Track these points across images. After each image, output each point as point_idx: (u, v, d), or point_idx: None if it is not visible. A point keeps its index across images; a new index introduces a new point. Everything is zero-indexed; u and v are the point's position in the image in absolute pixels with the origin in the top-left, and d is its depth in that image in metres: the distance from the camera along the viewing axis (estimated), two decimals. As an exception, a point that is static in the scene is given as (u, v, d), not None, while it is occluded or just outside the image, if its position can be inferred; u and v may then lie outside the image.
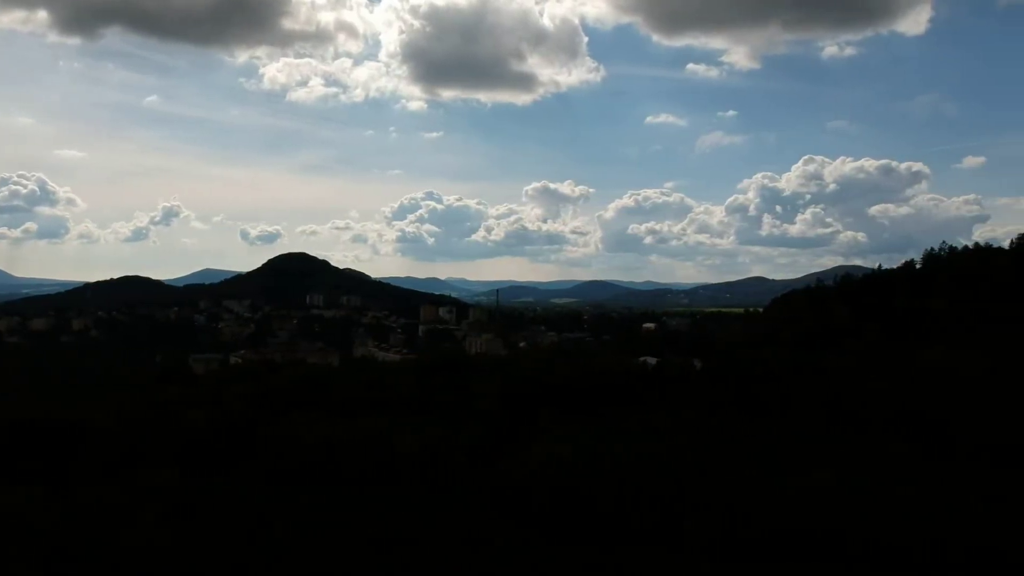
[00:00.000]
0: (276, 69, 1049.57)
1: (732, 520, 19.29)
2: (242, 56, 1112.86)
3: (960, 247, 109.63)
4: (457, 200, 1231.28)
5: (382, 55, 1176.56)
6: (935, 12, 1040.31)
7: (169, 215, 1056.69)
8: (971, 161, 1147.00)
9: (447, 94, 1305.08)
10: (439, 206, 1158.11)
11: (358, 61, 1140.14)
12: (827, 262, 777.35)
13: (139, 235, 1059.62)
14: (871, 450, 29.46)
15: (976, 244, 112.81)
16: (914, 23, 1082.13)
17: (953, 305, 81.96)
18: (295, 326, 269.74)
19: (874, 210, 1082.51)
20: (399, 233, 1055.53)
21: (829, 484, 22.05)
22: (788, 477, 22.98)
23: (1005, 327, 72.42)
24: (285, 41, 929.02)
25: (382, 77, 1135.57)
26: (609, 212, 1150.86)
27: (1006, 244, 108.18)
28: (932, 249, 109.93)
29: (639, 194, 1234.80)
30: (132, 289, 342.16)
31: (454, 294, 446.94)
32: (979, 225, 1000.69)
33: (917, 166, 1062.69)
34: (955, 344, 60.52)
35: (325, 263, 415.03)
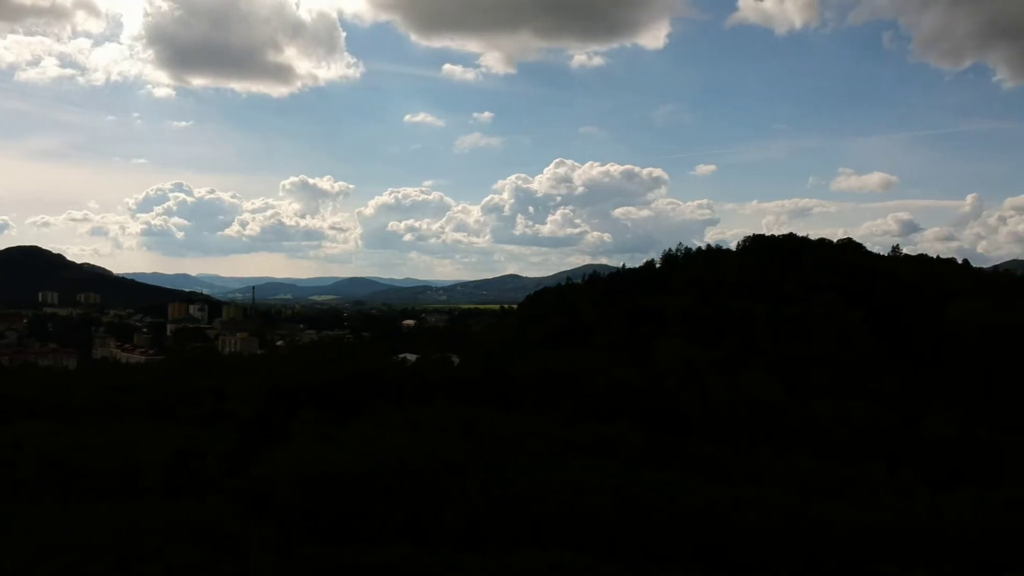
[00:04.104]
0: (3, 46, 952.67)
1: (489, 512, 20.00)
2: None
3: (694, 248, 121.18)
4: (209, 192, 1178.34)
5: (125, 37, 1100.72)
6: (672, 28, 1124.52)
7: None
8: (703, 169, 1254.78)
9: (197, 82, 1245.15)
10: (189, 198, 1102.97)
11: (98, 42, 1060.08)
12: (576, 261, 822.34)
13: None
14: (615, 438, 31.59)
15: (708, 245, 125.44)
16: (654, 38, 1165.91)
17: (688, 302, 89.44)
18: (25, 326, 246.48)
19: (618, 212, 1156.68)
20: (144, 226, 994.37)
21: (579, 473, 23.40)
22: (543, 468, 24.12)
23: (734, 321, 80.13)
24: (14, 16, 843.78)
25: (125, 60, 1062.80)
26: (369, 209, 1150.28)
27: (733, 246, 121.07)
28: (670, 250, 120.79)
29: (399, 192, 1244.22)
30: None
31: (206, 291, 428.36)
32: (711, 227, 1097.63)
33: (657, 172, 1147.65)
34: (689, 338, 65.91)
35: (60, 257, 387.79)
